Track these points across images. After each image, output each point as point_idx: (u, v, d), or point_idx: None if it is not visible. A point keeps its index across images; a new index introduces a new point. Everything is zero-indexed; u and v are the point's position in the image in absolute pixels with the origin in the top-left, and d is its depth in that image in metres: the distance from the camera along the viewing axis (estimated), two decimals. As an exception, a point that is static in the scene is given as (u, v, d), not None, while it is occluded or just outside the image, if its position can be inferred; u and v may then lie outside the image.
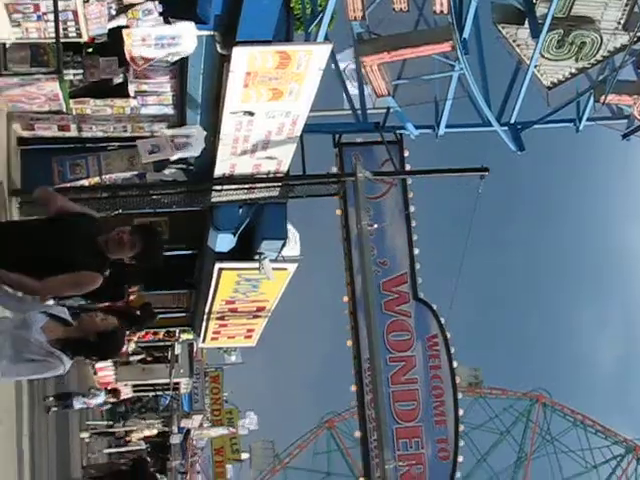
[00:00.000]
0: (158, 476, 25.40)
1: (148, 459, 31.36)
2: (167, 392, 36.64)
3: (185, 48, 11.99)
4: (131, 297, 18.58)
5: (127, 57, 12.24)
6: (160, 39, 11.95)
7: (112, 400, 27.29)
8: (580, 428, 60.01)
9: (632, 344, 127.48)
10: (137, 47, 12.04)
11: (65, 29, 11.85)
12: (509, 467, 60.86)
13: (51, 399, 19.98)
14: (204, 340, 21.13)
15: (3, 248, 7.14)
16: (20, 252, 7.10)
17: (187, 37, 11.81)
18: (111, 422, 33.61)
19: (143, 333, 27.79)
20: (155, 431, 30.08)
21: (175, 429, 38.89)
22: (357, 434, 18.34)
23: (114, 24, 11.96)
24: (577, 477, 60.95)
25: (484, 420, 60.59)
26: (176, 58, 12.39)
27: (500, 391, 60.56)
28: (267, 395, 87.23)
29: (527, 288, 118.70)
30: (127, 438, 29.82)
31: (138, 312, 18.54)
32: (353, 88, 18.09)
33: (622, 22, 16.18)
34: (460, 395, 18.47)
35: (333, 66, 17.46)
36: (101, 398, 24.51)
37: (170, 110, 14.01)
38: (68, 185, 14.60)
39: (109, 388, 27.56)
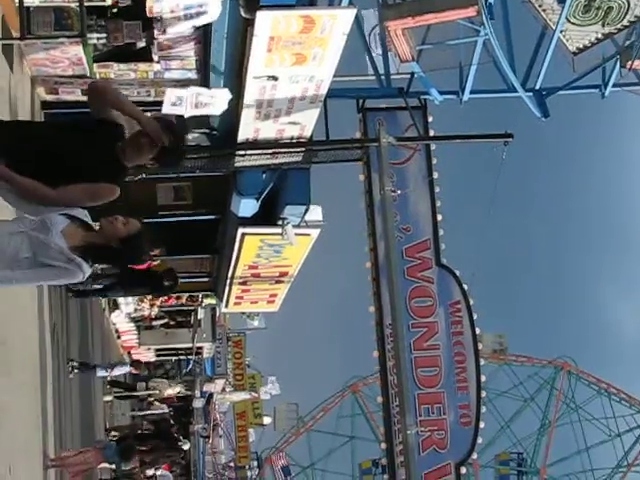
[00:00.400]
0: (181, 439, 25.48)
1: (171, 421, 31.60)
2: (190, 356, 36.87)
3: (211, 15, 11.93)
4: (154, 262, 18.72)
5: (148, 14, 12.19)
6: (188, 9, 11.91)
7: (135, 372, 27.37)
8: (604, 396, 59.96)
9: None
10: (167, 20, 12.00)
11: (89, -8, 11.86)
12: (532, 434, 60.87)
13: (75, 363, 20.14)
14: (227, 305, 21.21)
15: (16, 150, 6.42)
16: (35, 156, 6.43)
17: (213, 3, 11.75)
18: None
19: (166, 297, 27.94)
20: (178, 389, 30.20)
21: (198, 393, 39.16)
22: (379, 399, 18.42)
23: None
24: (600, 445, 60.92)
25: (508, 387, 60.66)
26: (201, 24, 12.34)
27: (525, 358, 60.46)
28: (291, 360, 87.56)
29: (552, 255, 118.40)
30: (150, 400, 29.96)
31: (168, 281, 18.71)
32: (377, 54, 18.00)
33: (650, -13, 16.03)
34: (483, 361, 18.49)
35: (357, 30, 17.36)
36: (125, 369, 24.68)
37: (194, 75, 14.00)
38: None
39: (132, 359, 27.55)
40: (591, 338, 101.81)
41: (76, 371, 20.23)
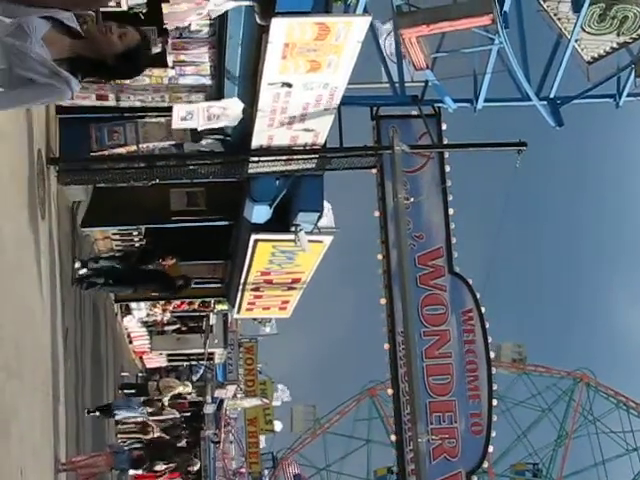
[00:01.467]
0: (193, 458, 25.38)
1: (183, 428, 31.49)
2: (201, 362, 36.92)
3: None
4: (166, 263, 18.77)
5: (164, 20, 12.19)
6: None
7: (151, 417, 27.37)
8: (623, 410, 59.82)
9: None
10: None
11: (104, -2, 11.85)
12: (549, 445, 60.75)
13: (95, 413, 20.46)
14: (239, 311, 21.20)
15: None
16: None
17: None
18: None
19: (178, 303, 27.98)
20: (189, 388, 30.12)
21: (209, 399, 39.16)
22: (390, 408, 18.42)
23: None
24: (617, 459, 60.74)
25: (526, 397, 60.62)
26: (214, 15, 12.22)
27: (544, 369, 60.41)
28: (306, 365, 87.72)
29: (565, 263, 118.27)
30: (161, 402, 29.84)
31: (180, 282, 18.68)
32: (392, 62, 18.00)
33: (666, -4, 16.01)
34: (503, 370, 18.46)
35: (373, 40, 17.37)
36: (140, 411, 24.78)
37: (208, 80, 14.00)
38: (105, 152, 14.68)
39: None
40: (603, 345, 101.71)
41: (97, 414, 20.56)
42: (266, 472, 56.84)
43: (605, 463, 60.22)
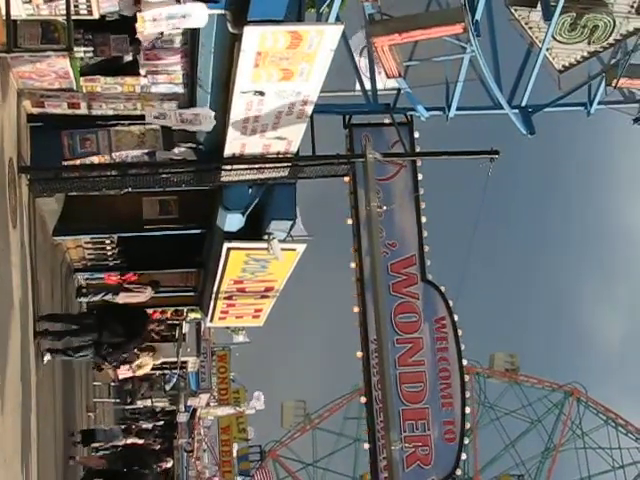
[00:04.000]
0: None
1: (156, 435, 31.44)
2: (174, 371, 36.80)
3: (196, 20, 11.82)
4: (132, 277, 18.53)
5: (138, 36, 12.21)
6: (171, 18, 11.87)
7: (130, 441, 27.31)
8: (611, 426, 60.05)
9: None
10: (149, 28, 11.92)
11: (76, 6, 11.83)
12: (536, 456, 60.92)
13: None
14: (212, 319, 21.15)
15: None
16: None
17: (197, 15, 11.69)
18: (118, 399, 33.96)
19: (151, 311, 27.82)
20: (160, 360, 30.06)
21: (182, 408, 39.05)
22: (364, 414, 18.44)
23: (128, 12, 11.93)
24: (603, 475, 61.04)
25: (517, 407, 60.84)
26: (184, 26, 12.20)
27: (535, 380, 60.60)
28: (295, 365, 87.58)
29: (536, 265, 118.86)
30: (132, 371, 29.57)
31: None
32: (364, 70, 18.03)
33: (635, 5, 16.10)
34: (467, 377, 18.53)
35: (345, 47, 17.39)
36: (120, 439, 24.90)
37: (180, 89, 13.99)
38: (78, 161, 14.62)
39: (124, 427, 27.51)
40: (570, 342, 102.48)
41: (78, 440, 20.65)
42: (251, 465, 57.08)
43: (591, 478, 60.56)
